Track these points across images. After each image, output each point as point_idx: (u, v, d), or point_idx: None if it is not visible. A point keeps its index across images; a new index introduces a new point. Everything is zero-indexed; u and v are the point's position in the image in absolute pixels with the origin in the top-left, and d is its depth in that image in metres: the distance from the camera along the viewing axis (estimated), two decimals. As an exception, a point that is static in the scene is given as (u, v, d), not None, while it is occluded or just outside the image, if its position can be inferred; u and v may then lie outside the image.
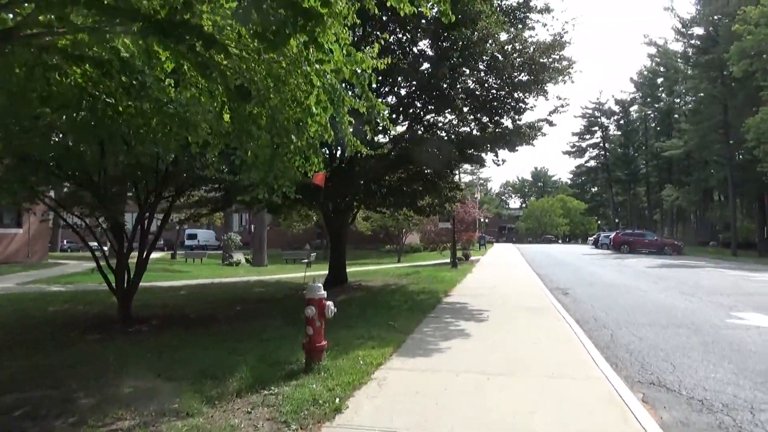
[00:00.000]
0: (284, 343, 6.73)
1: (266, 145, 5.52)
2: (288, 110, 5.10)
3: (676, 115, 72.91)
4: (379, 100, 6.04)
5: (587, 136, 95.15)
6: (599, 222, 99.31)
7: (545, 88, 12.88)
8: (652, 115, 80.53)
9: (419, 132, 13.01)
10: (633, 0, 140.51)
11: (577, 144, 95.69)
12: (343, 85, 5.54)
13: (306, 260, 33.18)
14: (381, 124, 6.10)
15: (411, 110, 12.80)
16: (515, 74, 12.00)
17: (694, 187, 53.91)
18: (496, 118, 12.62)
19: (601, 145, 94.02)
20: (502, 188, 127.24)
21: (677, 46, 59.99)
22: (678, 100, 70.19)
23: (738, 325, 9.18)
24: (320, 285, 5.65)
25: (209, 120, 5.14)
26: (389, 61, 6.30)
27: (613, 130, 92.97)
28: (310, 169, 6.07)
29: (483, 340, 7.51)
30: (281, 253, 42.97)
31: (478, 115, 12.53)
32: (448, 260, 25.74)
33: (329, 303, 5.57)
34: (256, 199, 8.63)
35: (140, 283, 9.21)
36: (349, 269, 26.27)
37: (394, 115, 12.25)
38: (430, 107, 12.52)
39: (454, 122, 12.90)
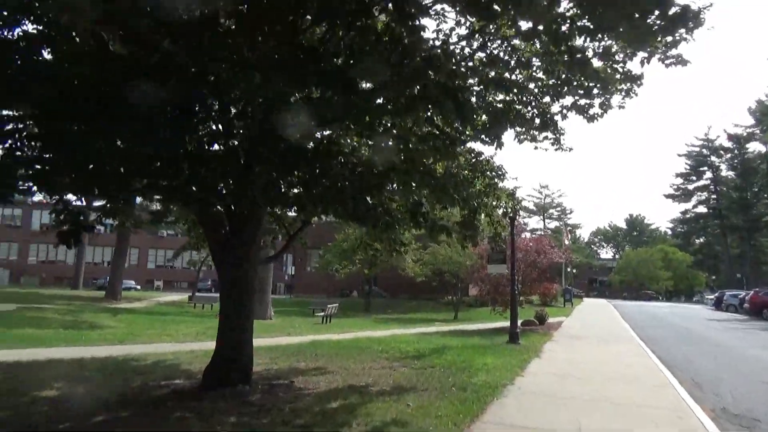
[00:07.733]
0: None
1: None
2: None
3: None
4: None
5: (693, 178, 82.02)
6: (712, 277, 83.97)
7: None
8: (775, 151, 67.34)
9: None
10: (745, 17, 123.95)
11: (681, 186, 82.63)
12: None
13: (322, 313, 25.09)
14: None
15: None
16: None
17: None
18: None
19: (712, 188, 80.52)
20: (591, 236, 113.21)
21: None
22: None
23: None
24: None
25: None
26: None
27: (725, 170, 79.62)
28: None
29: None
30: (313, 300, 35.53)
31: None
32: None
33: None
34: None
35: None
36: (369, 333, 16.75)
37: None
38: None
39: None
